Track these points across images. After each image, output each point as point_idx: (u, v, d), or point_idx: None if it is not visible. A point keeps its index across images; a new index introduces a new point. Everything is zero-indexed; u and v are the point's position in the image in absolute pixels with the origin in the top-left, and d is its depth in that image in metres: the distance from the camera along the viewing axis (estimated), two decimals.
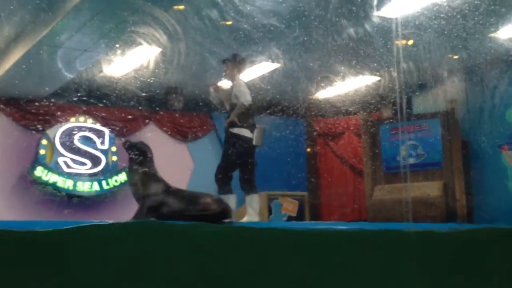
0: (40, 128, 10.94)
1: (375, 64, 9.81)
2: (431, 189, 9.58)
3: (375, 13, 7.95)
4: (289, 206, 8.82)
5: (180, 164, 11.39)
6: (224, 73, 7.08)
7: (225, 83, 7.31)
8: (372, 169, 10.61)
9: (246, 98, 6.69)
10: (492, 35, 8.88)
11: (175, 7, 7.56)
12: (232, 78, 6.95)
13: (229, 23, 8.15)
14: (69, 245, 2.38)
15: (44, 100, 10.70)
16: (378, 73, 10.35)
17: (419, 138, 10.21)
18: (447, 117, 10.16)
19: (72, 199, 10.88)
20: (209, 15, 7.83)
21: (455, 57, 9.72)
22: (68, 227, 2.43)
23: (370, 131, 10.80)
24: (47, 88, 10.34)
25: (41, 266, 2.31)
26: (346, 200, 12.21)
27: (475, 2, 7.50)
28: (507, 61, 9.58)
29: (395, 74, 9.35)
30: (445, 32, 8.47)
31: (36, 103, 10.75)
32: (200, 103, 11.13)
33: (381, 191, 10.12)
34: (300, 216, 8.81)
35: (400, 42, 8.40)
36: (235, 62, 6.96)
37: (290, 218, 8.77)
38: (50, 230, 2.39)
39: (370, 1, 7.68)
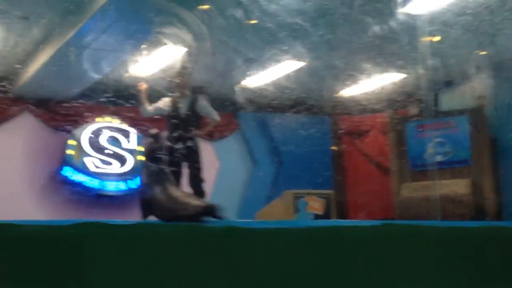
0: (68, 129, 11.02)
1: (401, 62, 9.76)
2: (459, 186, 9.51)
3: (401, 10, 7.92)
4: (315, 205, 8.79)
5: (207, 163, 11.43)
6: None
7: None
8: (399, 167, 10.57)
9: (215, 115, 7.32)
10: None
11: (200, 7, 7.58)
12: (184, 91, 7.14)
13: (254, 22, 8.17)
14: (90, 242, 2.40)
15: (72, 101, 10.80)
16: (404, 71, 10.30)
17: (446, 135, 10.13)
18: (475, 114, 10.08)
19: (100, 199, 10.99)
20: (234, 14, 7.85)
21: (483, 53, 9.63)
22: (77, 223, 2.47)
23: (396, 129, 10.75)
24: (75, 89, 10.44)
25: (72, 264, 2.34)
26: (372, 198, 12.15)
27: None
28: None
29: (421, 71, 9.31)
30: (472, 28, 8.40)
31: (65, 104, 10.86)
32: (226, 103, 11.18)
33: (408, 189, 10.07)
34: (326, 215, 8.79)
35: (426, 39, 8.37)
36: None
37: (316, 217, 8.75)
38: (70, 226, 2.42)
39: None
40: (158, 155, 5.94)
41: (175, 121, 6.97)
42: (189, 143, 6.93)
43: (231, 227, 2.64)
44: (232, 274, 2.48)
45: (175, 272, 2.42)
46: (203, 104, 7.20)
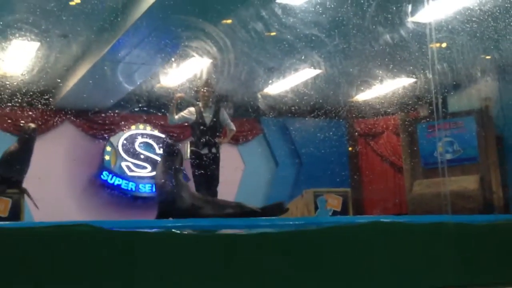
0: (105, 136, 11.10)
1: (411, 67, 9.70)
2: (468, 182, 9.39)
3: (410, 19, 7.87)
4: (334, 202, 8.73)
5: (233, 166, 11.46)
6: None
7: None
8: (411, 165, 10.47)
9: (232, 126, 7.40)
10: None
11: (224, 21, 7.61)
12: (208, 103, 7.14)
13: (273, 34, 8.18)
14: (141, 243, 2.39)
15: (108, 111, 10.88)
16: (414, 75, 10.23)
17: (455, 135, 10.03)
18: (481, 115, 9.95)
19: (136, 200, 11.04)
20: (255, 27, 7.87)
21: (488, 57, 9.54)
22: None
23: (408, 130, 10.65)
24: (111, 100, 10.51)
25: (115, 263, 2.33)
26: (387, 195, 12.07)
27: (506, 5, 7.36)
28: None
29: (430, 76, 9.23)
30: (477, 34, 8.33)
31: (102, 114, 10.93)
32: (249, 109, 11.19)
33: (420, 185, 9.97)
34: (344, 211, 8.75)
35: (434, 46, 8.30)
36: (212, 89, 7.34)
37: (335, 213, 8.72)
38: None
39: (404, 8, 7.60)
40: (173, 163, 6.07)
41: (200, 128, 7.01)
42: (213, 149, 6.96)
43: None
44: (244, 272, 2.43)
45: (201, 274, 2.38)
46: (224, 115, 7.24)
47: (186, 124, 7.62)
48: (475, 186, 9.39)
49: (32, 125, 6.87)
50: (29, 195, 6.48)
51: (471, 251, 2.85)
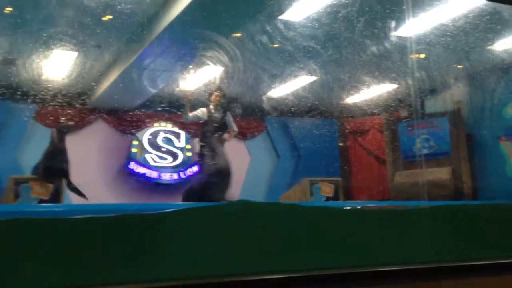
0: (132, 132, 11.11)
1: (394, 74, 9.68)
2: (442, 173, 9.39)
3: (393, 33, 7.86)
4: (327, 189, 8.75)
5: (241, 158, 11.48)
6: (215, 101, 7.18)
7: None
8: (393, 159, 10.47)
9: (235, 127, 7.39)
10: (489, 47, 8.65)
11: (234, 34, 7.62)
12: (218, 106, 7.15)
13: (276, 46, 8.18)
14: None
15: (135, 110, 10.91)
16: (396, 82, 10.21)
17: (431, 133, 10.02)
18: (454, 116, 9.94)
19: (158, 186, 11.08)
20: (261, 40, 7.87)
21: (460, 66, 9.52)
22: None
23: (391, 128, 10.65)
24: (137, 101, 10.55)
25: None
26: (372, 183, 12.07)
27: (475, 21, 7.33)
28: (502, 68, 9.33)
29: (410, 82, 9.22)
30: (451, 46, 8.30)
31: (130, 113, 10.96)
32: (256, 109, 11.19)
33: (401, 176, 9.97)
34: (335, 197, 8.77)
35: (414, 56, 8.29)
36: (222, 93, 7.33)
37: (328, 199, 8.73)
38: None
39: (388, 24, 7.59)
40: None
41: (210, 126, 7.01)
42: (218, 145, 6.95)
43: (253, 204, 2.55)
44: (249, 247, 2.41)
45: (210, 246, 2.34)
46: (229, 118, 7.24)
47: (200, 122, 7.62)
48: (448, 176, 9.39)
49: (71, 123, 6.90)
50: (79, 192, 6.42)
51: (446, 231, 2.86)
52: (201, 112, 7.18)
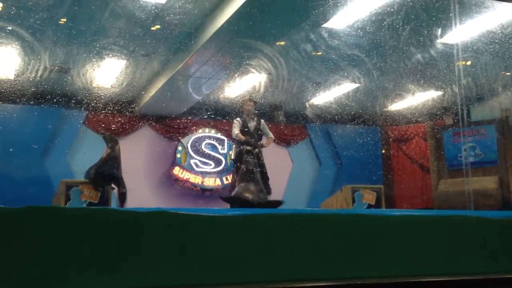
0: (178, 138, 11.23)
1: (440, 82, 9.51)
2: (488, 182, 9.14)
3: (439, 40, 7.74)
4: (369, 197, 8.66)
5: (283, 164, 11.50)
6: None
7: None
8: (437, 167, 10.27)
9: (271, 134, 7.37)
10: None
11: (278, 43, 7.65)
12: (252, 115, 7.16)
13: (320, 54, 8.17)
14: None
15: (181, 117, 11.03)
16: (442, 89, 10.03)
17: (477, 141, 9.77)
18: (501, 123, 9.67)
19: (204, 192, 11.19)
20: (305, 48, 7.89)
21: (508, 74, 9.27)
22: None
23: (435, 136, 10.45)
24: (183, 108, 10.67)
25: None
26: (415, 192, 11.87)
27: None
28: None
29: (456, 90, 9.04)
30: (499, 54, 8.11)
31: (175, 119, 11.12)
32: (299, 117, 11.20)
33: (445, 184, 9.76)
34: (377, 205, 8.66)
35: (461, 63, 8.14)
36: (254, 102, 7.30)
37: (369, 206, 8.64)
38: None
39: (434, 31, 7.49)
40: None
41: (246, 134, 7.04)
42: (256, 151, 6.97)
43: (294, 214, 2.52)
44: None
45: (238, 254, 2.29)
46: (264, 126, 7.29)
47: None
48: (495, 185, 9.13)
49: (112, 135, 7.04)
50: (125, 198, 6.55)
51: (491, 242, 2.82)
52: (237, 122, 7.24)
